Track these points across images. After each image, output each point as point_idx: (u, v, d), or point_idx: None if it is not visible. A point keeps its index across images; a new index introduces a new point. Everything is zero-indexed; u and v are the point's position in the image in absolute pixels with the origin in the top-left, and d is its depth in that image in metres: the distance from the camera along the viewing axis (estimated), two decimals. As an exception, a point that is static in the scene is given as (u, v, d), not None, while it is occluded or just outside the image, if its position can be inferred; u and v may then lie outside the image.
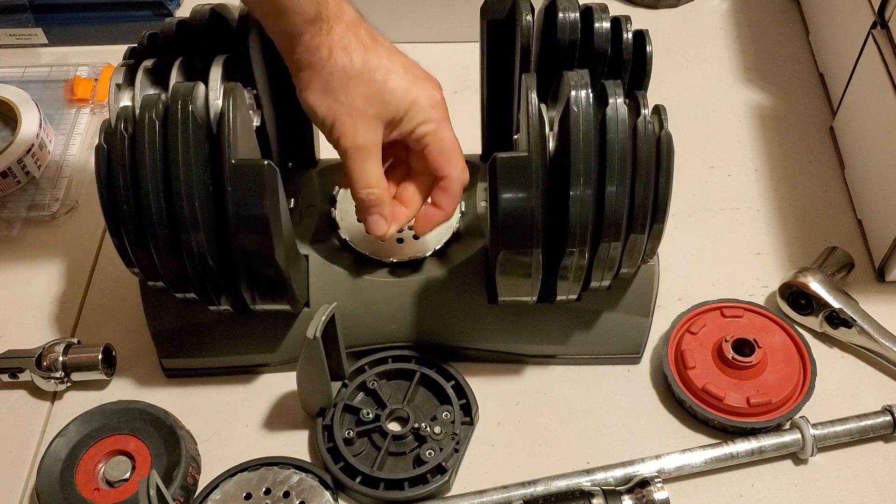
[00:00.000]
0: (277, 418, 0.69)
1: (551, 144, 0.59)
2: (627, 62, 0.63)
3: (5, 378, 0.71)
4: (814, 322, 0.71)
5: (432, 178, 0.64)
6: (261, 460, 0.65)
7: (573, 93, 0.56)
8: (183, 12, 0.84)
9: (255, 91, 0.65)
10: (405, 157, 0.65)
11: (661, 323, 0.71)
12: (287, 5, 0.57)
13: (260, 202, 0.57)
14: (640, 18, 0.89)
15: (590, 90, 0.57)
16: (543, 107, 0.59)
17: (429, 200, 0.65)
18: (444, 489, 0.65)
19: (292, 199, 0.72)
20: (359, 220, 0.65)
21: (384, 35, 0.63)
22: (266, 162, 0.57)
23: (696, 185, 0.83)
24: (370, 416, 0.66)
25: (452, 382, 0.68)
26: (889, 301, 0.73)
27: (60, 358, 0.69)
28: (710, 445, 0.65)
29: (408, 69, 0.61)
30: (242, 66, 0.64)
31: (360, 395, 0.69)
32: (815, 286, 0.70)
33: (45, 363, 0.69)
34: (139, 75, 0.61)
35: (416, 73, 0.62)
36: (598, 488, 0.62)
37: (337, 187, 0.73)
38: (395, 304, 0.69)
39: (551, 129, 0.59)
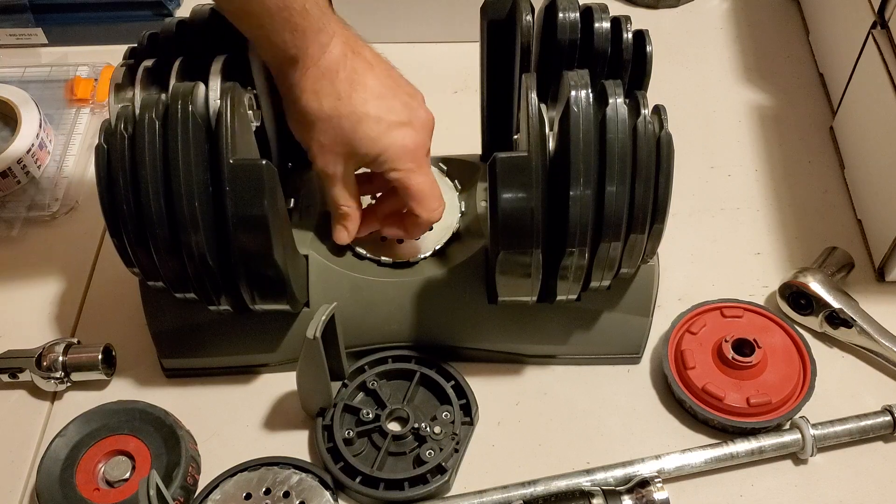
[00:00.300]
0: (277, 418, 0.69)
1: (551, 144, 0.59)
2: (627, 62, 0.63)
3: (5, 378, 0.71)
4: (814, 322, 0.71)
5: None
6: (261, 460, 0.65)
7: (573, 93, 0.56)
8: (183, 12, 0.84)
9: (254, 91, 0.65)
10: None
11: (661, 323, 0.71)
12: (270, 40, 0.59)
13: (259, 202, 0.57)
14: (640, 18, 0.89)
15: (590, 90, 0.57)
16: (543, 107, 0.59)
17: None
18: (444, 489, 0.65)
19: (292, 199, 0.72)
20: None
21: (381, 53, 0.64)
22: (264, 161, 0.57)
23: (696, 185, 0.83)
24: (370, 416, 0.66)
25: (452, 382, 0.68)
26: (889, 301, 0.73)
27: (60, 358, 0.69)
28: (710, 445, 0.65)
29: (381, 117, 0.62)
30: (242, 66, 0.64)
31: (360, 395, 0.69)
32: (815, 286, 0.70)
33: (45, 363, 0.69)
34: (139, 75, 0.61)
35: (391, 120, 0.62)
36: (598, 488, 0.62)
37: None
38: (395, 304, 0.69)
39: (551, 129, 0.59)
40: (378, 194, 0.70)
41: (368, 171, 0.66)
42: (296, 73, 0.60)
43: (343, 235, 0.68)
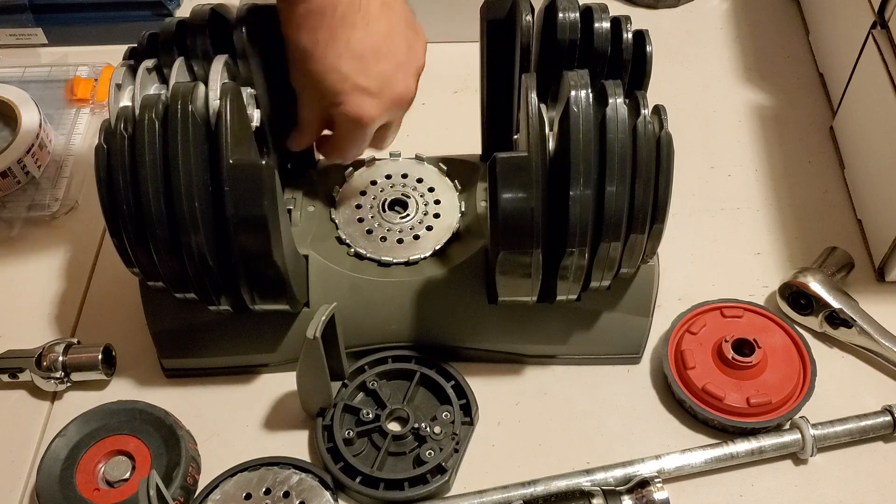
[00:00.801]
0: (277, 418, 0.69)
1: (551, 144, 0.59)
2: (627, 62, 0.63)
3: (5, 378, 0.71)
4: (814, 322, 0.71)
5: None
6: (261, 460, 0.65)
7: (573, 93, 0.56)
8: (183, 12, 0.84)
9: (254, 91, 0.65)
10: None
11: (661, 323, 0.71)
12: None
13: (258, 202, 0.57)
14: (640, 18, 0.89)
15: (590, 90, 0.57)
16: (543, 107, 0.59)
17: None
18: (444, 489, 0.65)
19: (292, 200, 0.72)
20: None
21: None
22: (264, 161, 0.57)
23: (696, 185, 0.83)
24: (370, 416, 0.66)
25: (452, 382, 0.68)
26: (889, 301, 0.73)
27: (60, 358, 0.69)
28: (710, 445, 0.65)
29: (349, 76, 0.62)
30: (242, 65, 0.64)
31: (360, 395, 0.69)
32: (815, 286, 0.70)
33: (45, 363, 0.69)
34: (139, 75, 0.61)
35: (357, 83, 0.62)
36: (598, 488, 0.62)
37: (336, 187, 0.73)
38: (395, 304, 0.69)
39: (551, 129, 0.59)
40: None
41: None
42: (288, 5, 0.60)
43: (296, 141, 0.70)
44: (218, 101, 0.59)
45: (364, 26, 0.62)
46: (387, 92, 0.64)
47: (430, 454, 0.64)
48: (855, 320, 0.69)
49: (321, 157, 0.75)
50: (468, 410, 0.67)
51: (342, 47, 0.61)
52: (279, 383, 0.71)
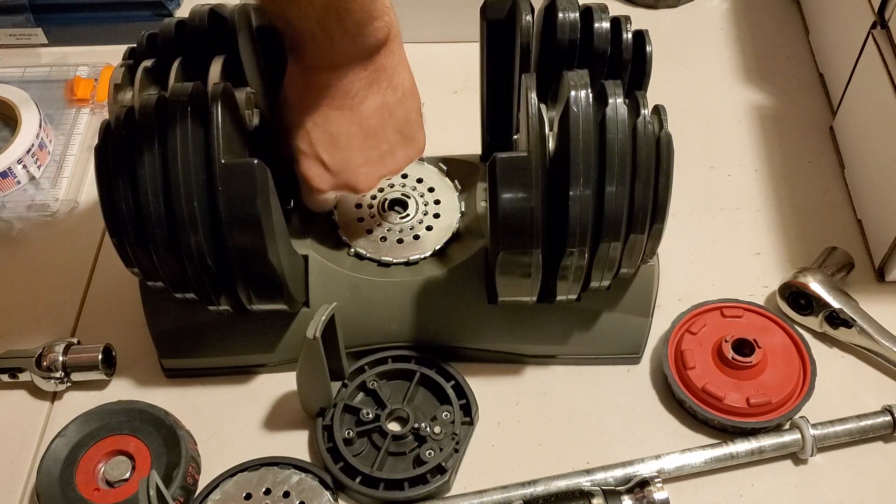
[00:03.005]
0: (277, 418, 0.69)
1: (551, 144, 0.59)
2: (627, 62, 0.63)
3: (5, 378, 0.71)
4: (814, 322, 0.71)
5: None
6: (261, 460, 0.65)
7: (573, 93, 0.56)
8: (183, 12, 0.84)
9: (253, 91, 0.65)
10: None
11: (661, 323, 0.71)
12: (288, 34, 0.60)
13: (251, 201, 0.57)
14: (640, 18, 0.89)
15: (590, 90, 0.57)
16: (543, 107, 0.59)
17: None
18: (443, 489, 0.65)
19: (291, 200, 0.72)
20: None
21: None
22: (256, 161, 0.57)
23: (696, 185, 0.83)
24: (370, 416, 0.66)
25: (452, 382, 0.68)
26: (889, 301, 0.73)
27: (60, 358, 0.69)
28: (710, 445, 0.65)
29: (313, 143, 0.63)
30: (241, 66, 0.64)
31: (360, 395, 0.69)
32: (815, 286, 0.70)
33: (45, 363, 0.69)
34: (138, 75, 0.61)
35: (316, 152, 0.63)
36: (598, 488, 0.62)
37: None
38: (395, 304, 0.69)
39: (551, 129, 0.59)
40: None
41: None
42: (290, 65, 0.61)
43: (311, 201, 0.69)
44: (211, 102, 0.58)
45: (350, 114, 0.62)
46: (342, 176, 0.65)
47: (430, 454, 0.64)
48: (855, 320, 0.69)
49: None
50: (468, 410, 0.67)
51: (321, 119, 0.62)
52: (279, 383, 0.71)
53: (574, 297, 0.64)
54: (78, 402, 0.70)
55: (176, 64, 0.62)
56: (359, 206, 0.73)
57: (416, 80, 0.69)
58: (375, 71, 0.61)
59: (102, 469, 0.65)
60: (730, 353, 0.67)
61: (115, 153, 0.58)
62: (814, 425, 0.65)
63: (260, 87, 0.66)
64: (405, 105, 0.64)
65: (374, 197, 0.73)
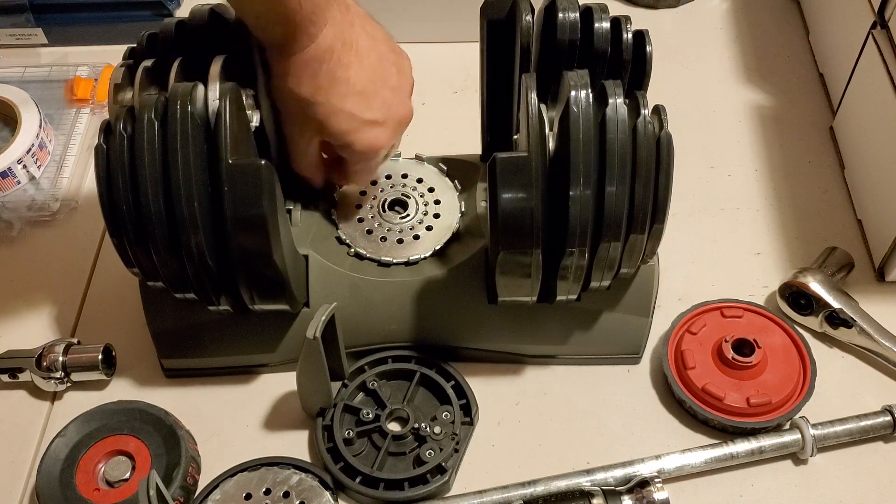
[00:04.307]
0: (277, 418, 0.69)
1: (551, 144, 0.59)
2: (627, 62, 0.63)
3: (5, 378, 0.71)
4: (814, 322, 0.71)
5: None
6: (261, 460, 0.65)
7: (573, 93, 0.56)
8: (183, 12, 0.84)
9: (253, 91, 0.65)
10: None
11: (661, 323, 0.71)
12: (264, 28, 0.61)
13: (258, 202, 0.57)
14: (640, 18, 0.89)
15: (590, 90, 0.57)
16: (543, 107, 0.59)
17: None
18: (443, 489, 0.65)
19: (291, 200, 0.72)
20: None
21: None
22: (263, 161, 0.57)
23: (696, 185, 0.83)
24: (370, 416, 0.66)
25: (452, 382, 0.68)
26: (889, 301, 0.73)
27: (60, 358, 0.69)
28: (710, 445, 0.65)
29: (355, 114, 0.64)
30: (242, 66, 0.64)
31: (360, 395, 0.69)
32: (815, 286, 0.70)
33: (45, 363, 0.69)
34: (138, 75, 0.61)
35: (365, 118, 0.64)
36: (598, 488, 0.62)
37: (336, 187, 0.73)
38: (395, 304, 0.69)
39: (551, 129, 0.59)
40: None
41: None
42: (281, 58, 0.61)
43: (315, 182, 0.71)
44: (217, 102, 0.59)
45: (359, 63, 0.63)
46: (391, 118, 0.66)
47: (430, 454, 0.64)
48: (855, 320, 0.69)
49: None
50: (468, 410, 0.67)
51: (344, 88, 0.62)
52: (279, 383, 0.71)
53: (574, 297, 0.64)
54: (78, 402, 0.70)
55: (176, 64, 0.62)
56: (359, 206, 0.73)
57: (416, 81, 0.69)
58: (342, 30, 0.62)
59: (102, 469, 0.65)
60: (730, 353, 0.67)
61: (115, 153, 0.58)
62: (814, 425, 0.65)
63: (265, 88, 0.66)
64: (379, 35, 0.66)
65: (374, 197, 0.73)
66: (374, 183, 0.74)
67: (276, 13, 0.58)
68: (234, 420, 0.69)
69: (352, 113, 0.63)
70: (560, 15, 0.62)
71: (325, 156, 0.70)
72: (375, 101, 0.64)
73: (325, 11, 0.60)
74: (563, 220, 0.57)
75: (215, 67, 0.60)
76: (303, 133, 0.66)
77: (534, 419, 0.69)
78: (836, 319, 0.70)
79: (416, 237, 0.71)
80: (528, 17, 0.64)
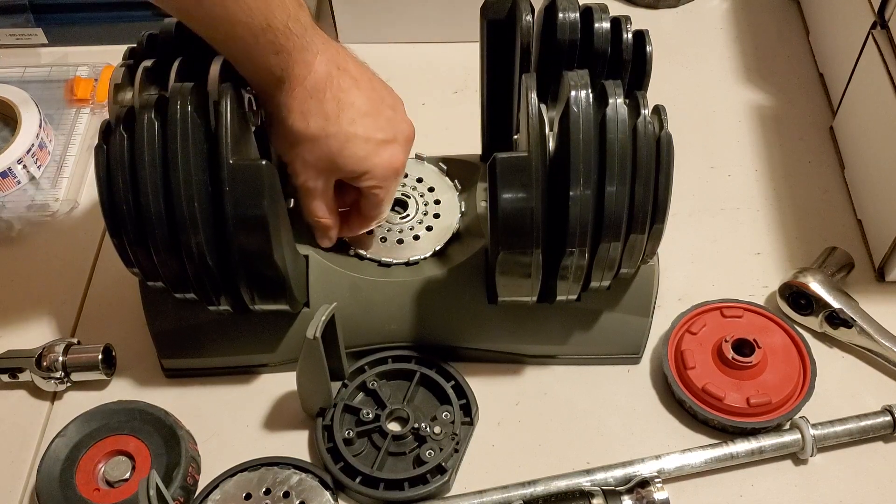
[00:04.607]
0: (277, 418, 0.69)
1: (551, 144, 0.59)
2: (627, 62, 0.63)
3: (5, 378, 0.71)
4: (814, 322, 0.71)
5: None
6: (261, 460, 0.65)
7: (573, 93, 0.56)
8: (183, 12, 0.84)
9: (254, 92, 0.65)
10: None
11: (661, 323, 0.71)
12: (255, 63, 0.58)
13: (259, 202, 0.57)
14: (640, 18, 0.89)
15: (590, 90, 0.57)
16: (543, 107, 0.59)
17: None
18: (444, 489, 0.65)
19: (291, 199, 0.72)
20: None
21: (368, 67, 0.64)
22: (264, 161, 0.57)
23: (696, 185, 0.83)
24: (370, 416, 0.66)
25: (452, 382, 0.68)
26: (889, 301, 0.73)
27: (60, 358, 0.69)
28: (710, 445, 0.65)
29: (369, 136, 0.62)
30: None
31: (360, 395, 0.69)
32: (815, 286, 0.70)
33: (45, 363, 0.69)
34: (138, 75, 0.61)
35: (378, 139, 0.62)
36: (598, 488, 0.62)
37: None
38: (395, 304, 0.69)
39: (551, 129, 0.59)
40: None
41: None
42: (282, 94, 0.60)
43: (325, 243, 0.69)
44: (217, 102, 0.59)
45: (356, 86, 0.62)
46: (399, 135, 0.64)
47: (430, 454, 0.64)
48: (855, 320, 0.69)
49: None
50: (468, 410, 0.67)
51: (351, 112, 0.61)
52: (279, 383, 0.71)
53: (574, 297, 0.64)
54: (78, 402, 0.70)
55: (176, 64, 0.62)
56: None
57: (416, 81, 0.69)
58: (334, 55, 0.61)
59: (102, 469, 0.65)
60: (730, 353, 0.67)
61: (115, 153, 0.58)
62: (814, 425, 0.65)
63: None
64: (357, 58, 0.64)
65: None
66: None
67: (266, 42, 0.56)
68: (234, 420, 0.69)
69: (366, 136, 0.62)
70: (560, 15, 0.62)
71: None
72: (381, 120, 0.63)
73: (313, 36, 0.59)
74: (563, 220, 0.57)
75: (215, 67, 0.60)
76: (318, 175, 0.63)
77: (534, 419, 0.69)
78: (836, 319, 0.70)
79: (416, 237, 0.71)
80: (528, 17, 0.64)
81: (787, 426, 0.66)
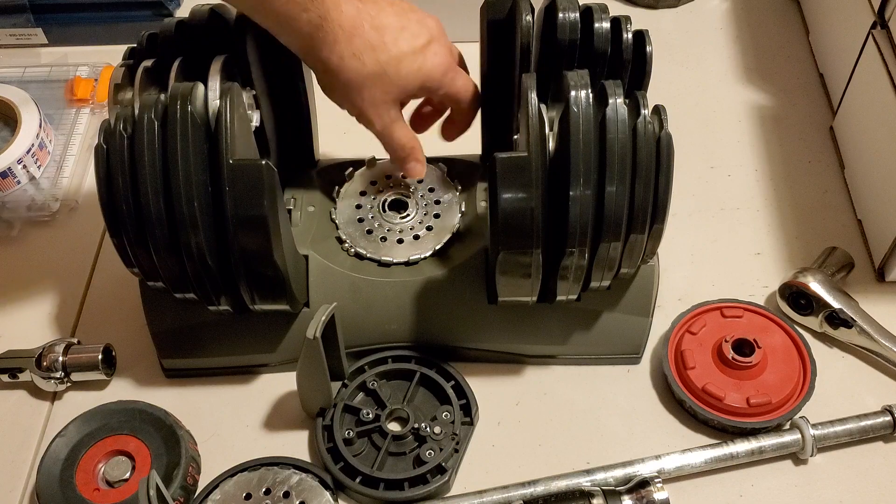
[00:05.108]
0: (277, 418, 0.69)
1: (551, 144, 0.59)
2: (627, 62, 0.63)
3: (5, 378, 0.71)
4: (814, 322, 0.71)
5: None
6: (261, 460, 0.65)
7: (573, 93, 0.56)
8: (183, 12, 0.84)
9: (254, 91, 0.65)
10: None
11: (661, 323, 0.71)
12: (291, 24, 0.59)
13: (258, 202, 0.57)
14: (640, 18, 0.89)
15: (590, 90, 0.57)
16: (543, 107, 0.59)
17: None
18: (443, 489, 0.65)
19: (292, 200, 0.72)
20: (395, 167, 0.71)
21: None
22: (264, 161, 0.57)
23: (696, 185, 0.83)
24: (370, 416, 0.66)
25: (452, 382, 0.68)
26: (889, 301, 0.73)
27: (60, 358, 0.69)
28: (710, 445, 0.65)
29: (414, 47, 0.63)
30: (242, 66, 0.64)
31: (360, 395, 0.69)
32: (815, 286, 0.70)
33: (45, 363, 0.69)
34: (138, 75, 0.61)
35: (420, 45, 0.64)
36: (598, 488, 0.62)
37: (336, 187, 0.73)
38: (395, 304, 0.69)
39: (551, 129, 0.59)
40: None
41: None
42: (326, 45, 0.60)
43: (419, 168, 0.69)
44: (218, 102, 0.59)
45: (377, 5, 0.63)
46: (434, 32, 0.66)
47: (430, 454, 0.64)
48: (855, 320, 0.69)
49: (321, 158, 0.75)
50: (468, 410, 0.67)
51: (393, 33, 0.62)
52: (279, 383, 0.71)
53: (574, 297, 0.64)
54: (78, 402, 0.70)
55: (176, 64, 0.62)
56: (359, 206, 0.73)
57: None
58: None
59: (102, 469, 0.65)
60: (730, 353, 0.67)
61: (115, 153, 0.58)
62: (814, 425, 0.65)
63: (265, 88, 0.66)
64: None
65: (374, 197, 0.73)
66: (373, 183, 0.74)
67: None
68: (233, 420, 0.69)
69: (412, 50, 0.63)
70: (560, 15, 0.62)
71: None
72: (414, 26, 0.64)
73: None
74: (563, 220, 0.57)
75: (215, 67, 0.60)
76: (392, 105, 0.64)
77: (534, 419, 0.69)
78: (836, 319, 0.70)
79: (417, 237, 0.71)
80: (528, 17, 0.64)
81: (787, 426, 0.66)
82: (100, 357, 0.70)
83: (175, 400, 0.70)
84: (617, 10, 0.80)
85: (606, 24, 0.63)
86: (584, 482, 0.64)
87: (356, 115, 0.65)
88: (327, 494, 0.63)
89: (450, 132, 0.72)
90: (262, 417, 0.69)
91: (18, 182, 0.83)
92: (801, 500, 0.64)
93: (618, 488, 0.62)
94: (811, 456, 0.65)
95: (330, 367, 0.64)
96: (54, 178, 0.84)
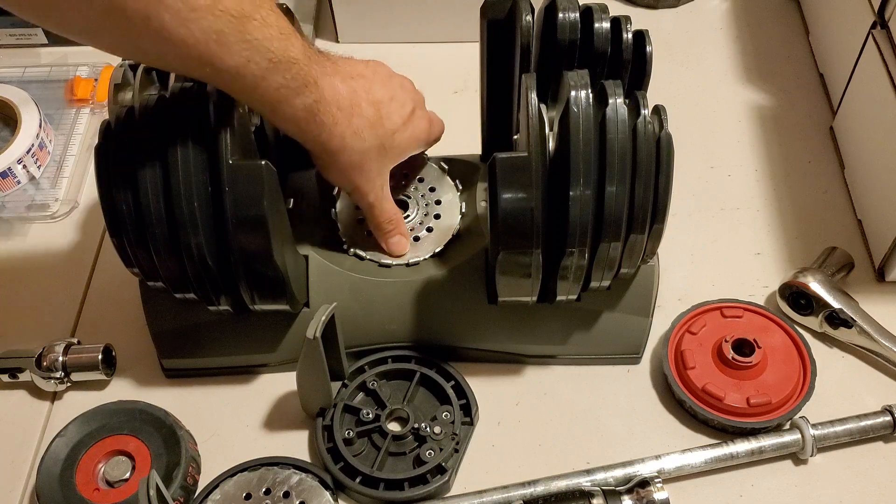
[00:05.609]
0: (277, 418, 0.69)
1: (551, 144, 0.59)
2: (627, 62, 0.63)
3: (5, 378, 0.71)
4: (814, 322, 0.71)
5: None
6: (261, 460, 0.65)
7: (573, 93, 0.56)
8: (183, 12, 0.84)
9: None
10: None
11: (661, 323, 0.71)
12: (282, 104, 0.57)
13: (258, 203, 0.57)
14: (640, 18, 0.89)
15: (590, 90, 0.57)
16: (543, 107, 0.59)
17: None
18: (443, 489, 0.65)
19: (291, 200, 0.72)
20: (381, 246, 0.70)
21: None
22: (264, 162, 0.57)
23: (696, 185, 0.83)
24: (370, 416, 0.66)
25: (452, 382, 0.68)
26: (889, 301, 0.73)
27: (60, 358, 0.69)
28: (710, 445, 0.65)
29: (404, 117, 0.65)
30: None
31: (360, 395, 0.69)
32: (815, 286, 0.70)
33: (45, 363, 0.69)
34: (138, 75, 0.61)
35: (407, 114, 0.65)
36: (598, 488, 0.62)
37: (336, 187, 0.73)
38: (395, 304, 0.69)
39: (551, 129, 0.59)
40: None
41: None
42: (325, 129, 0.60)
43: (404, 242, 0.70)
44: (217, 102, 0.59)
45: (365, 80, 0.63)
46: (415, 97, 0.67)
47: (430, 454, 0.64)
48: (855, 320, 0.69)
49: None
50: (468, 410, 0.67)
51: (384, 106, 0.63)
52: (279, 383, 0.71)
53: (574, 297, 0.64)
54: (78, 402, 0.70)
55: (176, 64, 0.62)
56: (359, 207, 0.73)
57: (416, 81, 0.69)
58: (337, 64, 0.62)
59: (102, 469, 0.65)
60: (730, 353, 0.67)
61: (115, 153, 0.58)
62: (814, 425, 0.65)
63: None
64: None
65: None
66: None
67: (288, 79, 0.55)
68: (233, 420, 0.69)
69: (402, 120, 0.64)
70: (560, 15, 0.62)
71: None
72: (399, 94, 0.65)
73: (317, 58, 0.59)
74: (563, 220, 0.57)
75: (215, 67, 0.60)
76: (384, 179, 0.66)
77: (534, 419, 0.69)
78: (836, 319, 0.70)
79: (417, 238, 0.71)
80: (528, 17, 0.64)
81: (787, 426, 0.66)
82: (100, 357, 0.70)
83: (175, 400, 0.70)
84: (617, 10, 0.79)
85: (606, 24, 0.63)
86: (584, 482, 0.64)
87: (351, 190, 0.66)
88: (327, 494, 0.63)
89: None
90: (262, 417, 0.70)
91: (18, 182, 0.83)
92: (801, 500, 0.64)
93: (618, 488, 0.62)
94: (811, 456, 0.65)
95: (330, 367, 0.64)
96: (54, 178, 0.84)
